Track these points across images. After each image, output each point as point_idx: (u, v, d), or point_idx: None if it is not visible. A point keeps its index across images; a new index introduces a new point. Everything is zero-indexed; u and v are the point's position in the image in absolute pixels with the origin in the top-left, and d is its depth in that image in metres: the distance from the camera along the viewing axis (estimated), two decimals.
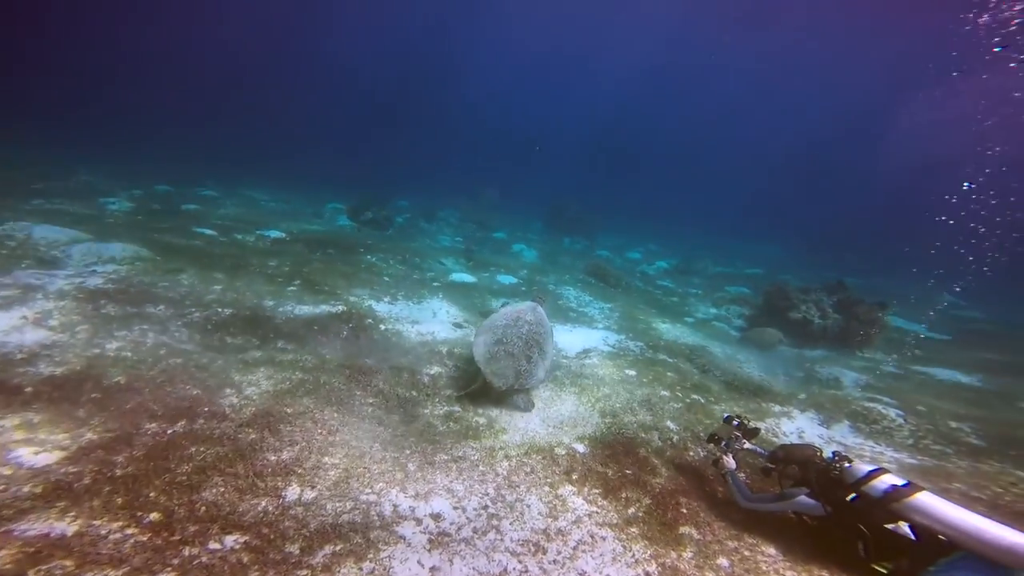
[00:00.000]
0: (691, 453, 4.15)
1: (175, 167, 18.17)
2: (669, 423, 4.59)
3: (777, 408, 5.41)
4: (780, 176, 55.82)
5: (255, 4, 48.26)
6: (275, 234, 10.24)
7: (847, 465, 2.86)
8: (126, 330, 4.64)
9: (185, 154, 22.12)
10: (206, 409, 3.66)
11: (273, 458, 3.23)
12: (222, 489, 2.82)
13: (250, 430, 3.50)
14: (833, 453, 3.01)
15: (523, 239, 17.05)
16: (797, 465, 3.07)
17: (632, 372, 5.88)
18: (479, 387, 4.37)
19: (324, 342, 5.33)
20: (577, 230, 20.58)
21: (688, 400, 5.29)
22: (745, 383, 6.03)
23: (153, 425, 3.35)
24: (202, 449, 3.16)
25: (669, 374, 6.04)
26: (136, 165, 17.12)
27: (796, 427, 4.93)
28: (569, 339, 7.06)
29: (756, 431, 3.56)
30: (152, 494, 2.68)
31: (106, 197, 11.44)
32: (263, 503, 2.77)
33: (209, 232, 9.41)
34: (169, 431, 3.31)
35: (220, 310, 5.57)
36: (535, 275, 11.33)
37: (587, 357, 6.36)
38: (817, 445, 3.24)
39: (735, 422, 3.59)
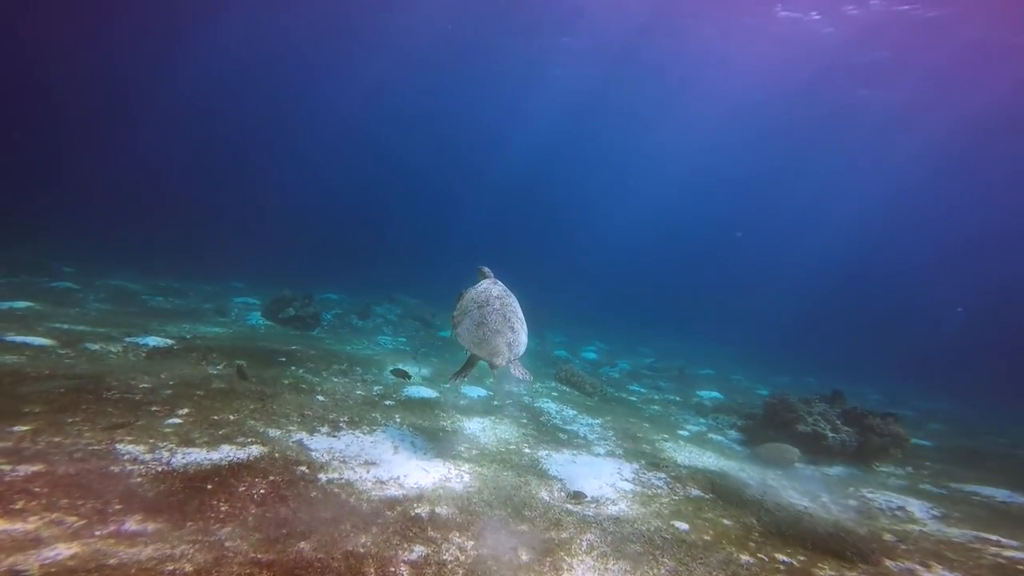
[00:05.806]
0: None
1: (12, 249, 14.80)
2: None
3: (894, 565, 4.28)
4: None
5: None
6: (154, 342, 7.87)
7: None
8: None
9: (34, 231, 18.57)
10: None
11: None
12: None
13: None
14: None
15: None
16: None
17: (683, 525, 4.52)
18: (470, 367, 5.02)
19: (225, 514, 3.36)
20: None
21: (778, 566, 4.00)
22: (820, 528, 4.92)
23: None
24: None
25: (725, 522, 4.76)
26: None
27: None
28: (576, 474, 5.61)
29: None
30: None
31: None
32: None
33: (39, 342, 6.82)
34: None
35: (8, 469, 3.41)
36: (503, 383, 9.92)
37: (612, 502, 4.94)
38: None
39: None
